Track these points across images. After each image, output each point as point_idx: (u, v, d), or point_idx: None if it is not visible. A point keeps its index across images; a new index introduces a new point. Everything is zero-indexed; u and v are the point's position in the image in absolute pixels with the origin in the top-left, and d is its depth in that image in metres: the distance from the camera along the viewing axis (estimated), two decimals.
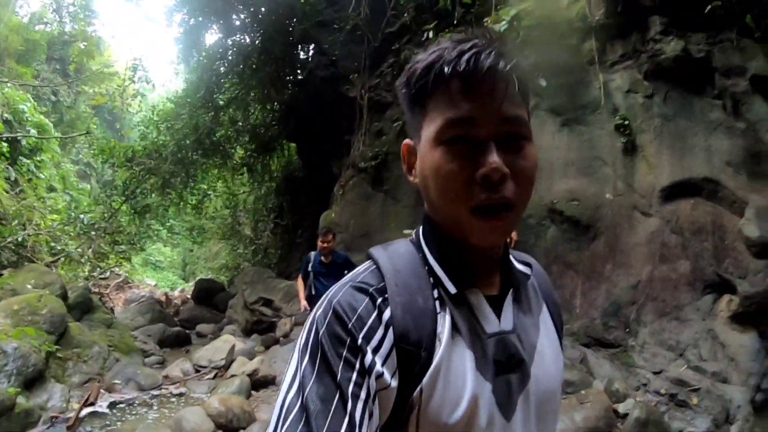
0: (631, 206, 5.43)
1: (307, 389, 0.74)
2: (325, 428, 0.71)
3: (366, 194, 9.03)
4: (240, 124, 13.56)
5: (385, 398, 0.78)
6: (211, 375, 6.80)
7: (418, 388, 0.80)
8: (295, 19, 11.60)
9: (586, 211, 5.63)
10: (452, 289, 0.87)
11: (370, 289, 0.83)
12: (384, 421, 0.79)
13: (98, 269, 12.08)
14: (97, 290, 11.36)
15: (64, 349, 6.24)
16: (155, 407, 5.75)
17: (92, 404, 5.41)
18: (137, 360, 7.27)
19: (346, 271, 4.90)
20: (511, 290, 0.94)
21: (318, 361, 0.76)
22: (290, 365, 0.80)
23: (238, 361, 6.75)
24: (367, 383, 0.76)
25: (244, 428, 4.94)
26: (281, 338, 8.25)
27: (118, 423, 5.15)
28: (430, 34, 6.83)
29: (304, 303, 5.76)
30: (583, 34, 5.94)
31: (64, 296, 7.33)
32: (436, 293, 0.87)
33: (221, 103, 13.06)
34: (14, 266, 8.51)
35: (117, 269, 14.01)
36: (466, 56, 0.79)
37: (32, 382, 5.30)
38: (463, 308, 0.87)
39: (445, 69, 0.80)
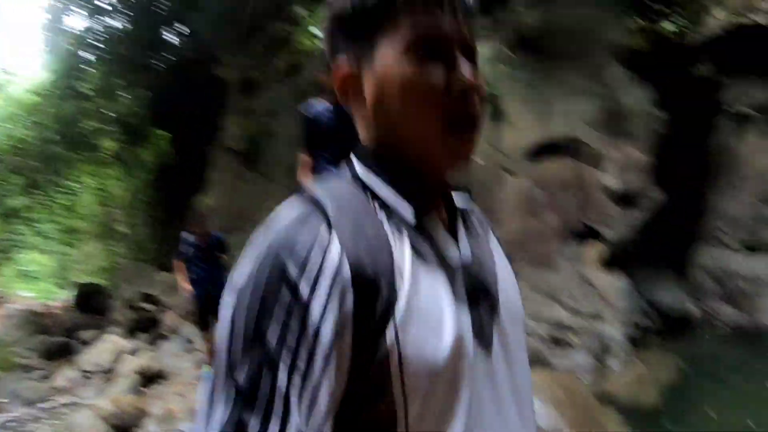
0: (499, 167, 5.85)
1: (237, 367, 0.63)
2: (262, 413, 0.61)
3: (240, 175, 9.00)
4: (107, 113, 12.94)
5: (340, 355, 0.66)
6: (100, 378, 6.62)
7: (392, 330, 0.68)
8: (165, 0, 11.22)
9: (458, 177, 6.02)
10: (410, 218, 0.77)
11: (311, 222, 0.70)
12: (345, 380, 0.67)
13: None
14: None
15: None
16: (46, 420, 5.56)
17: None
18: (20, 376, 6.94)
19: (217, 252, 4.92)
20: (459, 217, 0.86)
21: (249, 328, 0.64)
22: (220, 339, 0.67)
23: (126, 360, 6.65)
24: (312, 344, 0.64)
25: (137, 425, 4.92)
26: (167, 332, 8.08)
27: None
28: (299, 9, 6.91)
29: (187, 286, 5.57)
30: None
31: None
32: (386, 224, 0.76)
33: (87, 92, 12.41)
34: None
35: None
36: None
37: None
38: (424, 237, 0.78)
39: None
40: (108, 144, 13.21)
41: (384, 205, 0.78)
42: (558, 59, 5.71)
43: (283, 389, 0.62)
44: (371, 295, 0.69)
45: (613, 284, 5.13)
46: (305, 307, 0.64)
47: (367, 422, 0.71)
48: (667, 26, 5.03)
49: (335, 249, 0.68)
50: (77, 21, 11.63)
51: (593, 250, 5.33)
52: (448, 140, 0.76)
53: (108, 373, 6.68)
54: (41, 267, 20.51)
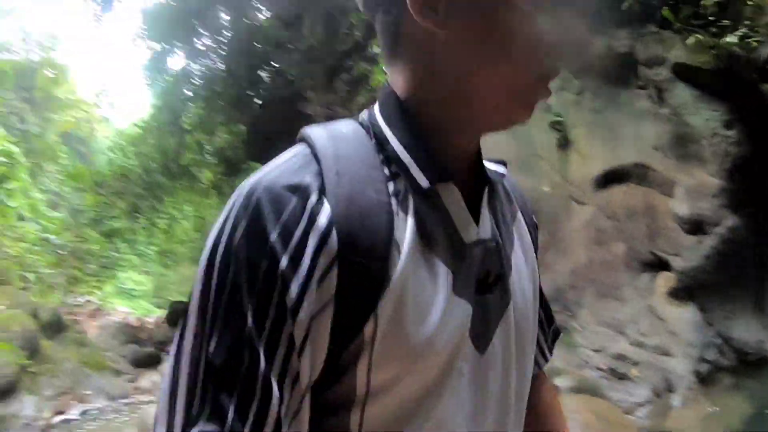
0: (567, 197, 5.78)
1: (211, 348, 0.58)
2: (234, 404, 0.56)
3: None
4: (207, 147, 13.79)
5: (318, 336, 0.61)
6: None
7: (372, 317, 0.63)
8: (255, 42, 11.92)
9: None
10: (424, 182, 0.69)
11: (302, 183, 0.63)
12: (323, 360, 0.63)
13: (70, 295, 12.18)
14: (70, 316, 11.45)
15: (37, 364, 6.40)
16: (124, 412, 5.96)
17: (63, 412, 5.59)
18: (109, 375, 7.44)
19: None
20: (486, 190, 0.78)
21: (224, 298, 0.59)
22: (192, 302, 0.61)
23: None
24: (292, 324, 0.59)
25: None
26: None
27: (88, 427, 5.36)
28: (376, 48, 7.21)
29: None
30: None
31: (35, 316, 7.48)
32: (392, 187, 0.69)
33: (187, 127, 13.29)
34: None
35: (89, 297, 14.08)
36: None
37: (5, 393, 5.48)
38: (436, 209, 0.70)
39: None
40: (206, 175, 14.02)
41: (396, 164, 0.70)
42: (622, 83, 5.61)
43: (263, 371, 0.57)
44: (358, 274, 0.62)
45: (682, 317, 4.91)
46: (285, 282, 0.59)
47: (324, 401, 0.66)
48: (732, 39, 4.83)
49: (324, 217, 0.61)
50: (177, 61, 12.48)
51: (662, 281, 5.13)
52: (534, 94, 0.71)
53: None
54: (140, 286, 21.80)
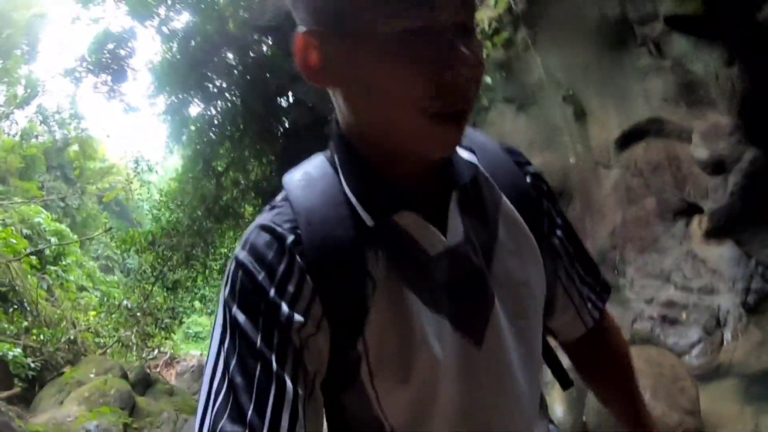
0: (593, 163, 6.02)
1: (231, 366, 0.69)
2: (252, 402, 0.67)
3: None
4: (243, 183, 14.19)
5: (315, 346, 0.73)
6: None
7: (360, 339, 0.75)
8: (268, 74, 12.26)
9: (556, 180, 6.21)
10: (369, 221, 0.75)
11: (278, 229, 0.74)
12: (325, 368, 0.75)
13: (145, 350, 12.77)
14: (149, 370, 12.03)
15: (137, 420, 6.92)
16: None
17: None
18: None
19: None
20: (454, 193, 0.81)
21: (237, 329, 0.71)
22: (212, 341, 0.75)
23: None
24: (291, 338, 0.71)
25: None
26: None
27: None
28: None
29: None
30: (513, 25, 6.60)
31: (124, 377, 8.02)
32: (359, 222, 0.76)
33: (220, 169, 13.72)
34: (71, 363, 9.22)
35: (162, 347, 14.66)
36: None
37: None
38: (394, 237, 0.77)
39: None
40: (248, 210, 14.40)
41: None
42: (622, 45, 5.81)
43: (276, 372, 0.69)
44: (338, 301, 0.73)
45: (722, 255, 5.11)
46: (277, 305, 0.71)
47: (346, 403, 0.80)
48: None
49: (299, 260, 0.73)
50: (195, 109, 12.86)
51: (696, 225, 5.34)
52: (435, 133, 0.71)
53: None
54: (206, 328, 22.46)
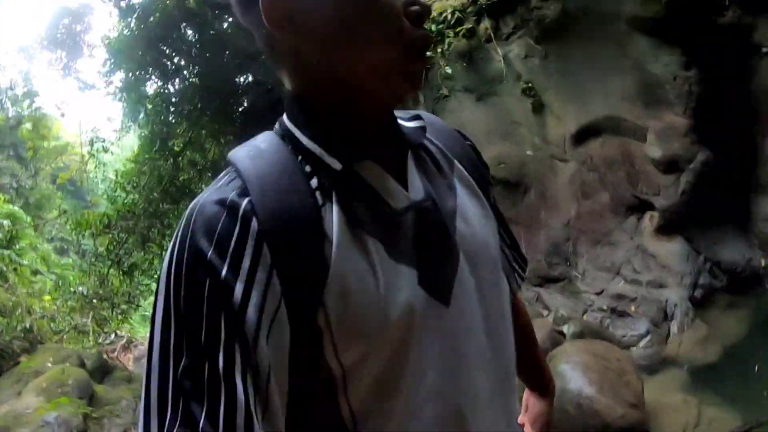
0: (549, 157, 6.15)
1: (175, 358, 0.63)
2: (205, 405, 0.61)
3: None
4: (200, 164, 13.99)
5: (276, 332, 0.66)
6: None
7: (320, 309, 0.68)
8: (227, 51, 12.05)
9: (513, 170, 6.35)
10: (336, 165, 0.74)
11: (231, 199, 0.68)
12: (287, 357, 0.68)
13: (102, 335, 12.59)
14: (106, 356, 11.88)
15: (97, 409, 6.85)
16: None
17: None
18: None
19: None
20: (410, 152, 0.83)
21: (179, 315, 0.65)
22: (153, 334, 0.68)
23: None
24: (244, 329, 0.64)
25: None
26: None
27: None
28: None
29: None
30: (477, 17, 6.64)
31: (82, 365, 7.91)
32: (315, 183, 0.74)
33: (177, 149, 13.49)
34: (27, 352, 9.05)
35: (119, 332, 14.48)
36: None
37: None
38: (357, 188, 0.75)
39: None
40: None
41: (310, 158, 0.75)
42: (583, 42, 5.90)
43: (223, 373, 0.62)
44: (297, 273, 0.67)
45: (672, 250, 5.32)
46: (229, 288, 0.64)
47: (308, 391, 0.71)
48: None
49: (254, 227, 0.67)
50: (152, 87, 12.56)
51: (648, 221, 5.53)
52: (408, 68, 0.74)
53: None
54: None
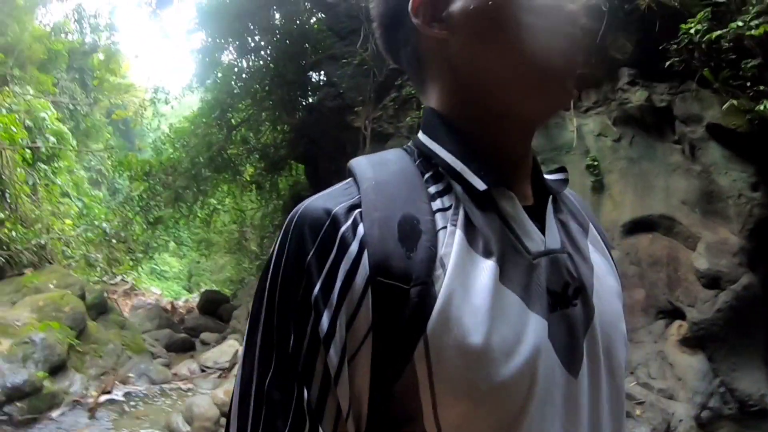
0: None
1: (265, 370, 0.60)
2: (288, 428, 0.57)
3: None
4: (251, 143, 14.16)
5: (358, 367, 0.59)
6: (217, 374, 7.48)
7: (421, 341, 0.57)
8: (307, 45, 12.23)
9: None
10: (480, 184, 0.66)
11: (338, 207, 0.62)
12: (366, 399, 0.60)
13: (108, 275, 12.72)
14: (107, 295, 12.00)
15: (83, 344, 6.91)
16: (169, 397, 6.43)
17: (109, 392, 6.07)
18: (147, 359, 7.92)
19: None
20: (551, 198, 0.75)
21: (274, 322, 0.61)
22: (248, 328, 0.64)
23: None
24: (325, 354, 0.58)
25: None
26: None
27: (133, 409, 5.83)
28: None
29: None
30: None
31: (82, 297, 7.98)
32: (438, 204, 0.66)
33: (234, 122, 13.67)
34: (35, 267, 9.17)
35: (126, 276, 14.61)
36: None
37: (56, 369, 6.00)
38: (493, 217, 0.66)
39: None
40: (249, 170, 14.39)
41: (447, 174, 0.69)
42: (659, 136, 5.87)
43: (307, 402, 0.58)
44: (396, 297, 0.58)
45: (691, 365, 5.17)
46: (318, 310, 0.59)
47: None
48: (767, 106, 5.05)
49: (356, 243, 0.60)
50: (228, 57, 12.76)
51: (676, 329, 5.39)
52: (566, 71, 0.68)
53: (225, 371, 7.56)
54: (173, 269, 22.44)
